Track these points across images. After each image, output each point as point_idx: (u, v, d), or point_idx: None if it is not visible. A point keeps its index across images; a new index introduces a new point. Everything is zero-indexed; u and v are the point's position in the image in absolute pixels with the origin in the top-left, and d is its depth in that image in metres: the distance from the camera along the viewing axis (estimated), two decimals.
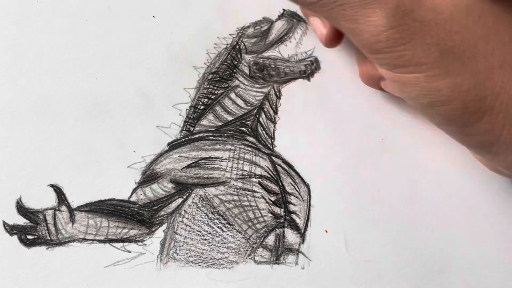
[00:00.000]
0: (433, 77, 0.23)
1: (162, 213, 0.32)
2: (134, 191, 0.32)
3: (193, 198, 0.33)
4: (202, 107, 0.34)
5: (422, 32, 0.22)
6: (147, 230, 0.32)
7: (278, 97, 0.35)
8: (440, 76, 0.22)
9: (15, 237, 0.31)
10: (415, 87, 0.23)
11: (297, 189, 0.33)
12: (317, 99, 0.34)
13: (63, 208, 0.32)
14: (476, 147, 0.25)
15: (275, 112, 0.34)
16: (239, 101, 0.34)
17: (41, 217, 0.32)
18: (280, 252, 0.32)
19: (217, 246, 0.32)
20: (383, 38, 0.23)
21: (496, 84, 0.22)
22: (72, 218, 0.32)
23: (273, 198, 0.33)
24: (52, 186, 0.32)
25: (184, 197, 0.33)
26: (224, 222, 0.32)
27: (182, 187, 0.33)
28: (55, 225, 0.31)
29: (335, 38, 0.27)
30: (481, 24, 0.22)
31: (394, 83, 0.24)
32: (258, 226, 0.32)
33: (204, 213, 0.32)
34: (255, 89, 0.35)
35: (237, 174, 0.33)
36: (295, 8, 0.36)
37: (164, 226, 0.32)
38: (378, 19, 0.22)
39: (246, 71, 0.35)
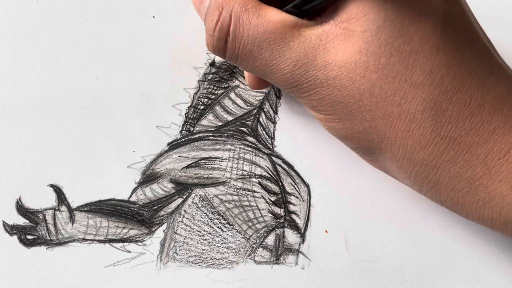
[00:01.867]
0: (330, 119, 0.27)
1: (162, 213, 0.32)
2: (134, 191, 0.32)
3: (193, 198, 0.33)
4: (202, 107, 0.34)
5: (315, 87, 0.26)
6: (147, 230, 0.32)
7: (278, 97, 0.35)
8: (335, 120, 0.26)
9: (15, 237, 0.31)
10: (321, 122, 0.28)
11: (297, 189, 0.33)
12: None
13: (63, 208, 0.32)
14: (380, 170, 0.29)
15: (275, 112, 0.34)
16: (239, 101, 0.34)
17: (40, 217, 0.32)
18: (280, 252, 0.32)
19: (217, 246, 0.32)
20: (289, 87, 0.27)
21: (380, 131, 0.25)
22: (72, 218, 0.32)
23: (273, 198, 0.33)
24: (52, 186, 0.32)
25: (184, 197, 0.33)
26: (224, 222, 0.32)
27: (182, 187, 0.33)
28: (55, 225, 0.31)
29: (259, 81, 0.32)
30: (366, 79, 0.25)
31: None
32: (258, 226, 0.32)
33: (204, 213, 0.32)
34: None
35: (237, 174, 0.33)
36: None
37: (164, 226, 0.32)
38: (283, 73, 0.26)
39: None
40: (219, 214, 0.32)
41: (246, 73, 0.32)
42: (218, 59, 0.34)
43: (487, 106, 0.25)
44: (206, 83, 0.34)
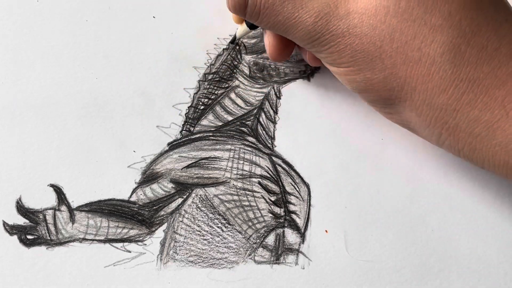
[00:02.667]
0: (350, 72, 0.27)
1: (162, 213, 0.32)
2: (134, 191, 0.32)
3: (193, 198, 0.33)
4: (202, 107, 0.34)
5: (337, 38, 0.26)
6: (147, 230, 0.32)
7: (278, 97, 0.35)
8: (355, 72, 0.27)
9: (15, 237, 0.31)
10: (340, 77, 0.29)
11: (297, 189, 0.33)
12: (317, 99, 0.35)
13: (63, 208, 0.32)
14: (398, 123, 0.29)
15: (275, 112, 0.34)
16: (239, 101, 0.34)
17: (41, 217, 0.32)
18: (280, 252, 0.32)
19: (217, 246, 0.32)
20: (310, 41, 0.27)
21: (400, 78, 0.26)
22: (72, 218, 0.32)
23: (273, 198, 0.33)
24: (52, 186, 0.32)
25: (184, 197, 0.33)
26: (224, 222, 0.32)
27: (182, 187, 0.33)
28: (55, 225, 0.31)
29: (280, 50, 0.31)
30: (386, 24, 0.25)
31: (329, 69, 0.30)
32: (258, 226, 0.32)
33: (204, 213, 0.32)
34: (255, 89, 0.35)
35: (237, 174, 0.33)
36: None
37: (164, 226, 0.32)
38: (305, 26, 0.27)
39: (246, 71, 0.35)
40: (219, 214, 0.33)
41: (267, 43, 0.32)
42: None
43: (503, 50, 0.25)
44: (206, 83, 0.34)
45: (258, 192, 0.33)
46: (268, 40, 0.31)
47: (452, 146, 0.27)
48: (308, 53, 0.32)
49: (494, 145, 0.25)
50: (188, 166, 0.33)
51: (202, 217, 0.32)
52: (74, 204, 0.32)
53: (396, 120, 0.29)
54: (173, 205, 0.33)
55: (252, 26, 0.32)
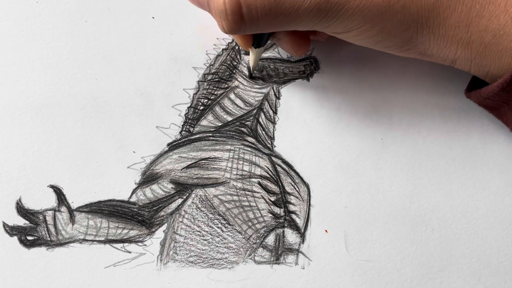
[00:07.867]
0: (363, 31, 0.28)
1: (162, 213, 0.32)
2: (134, 191, 0.32)
3: (193, 199, 0.33)
4: (201, 107, 0.34)
5: (344, 5, 0.27)
6: (147, 230, 0.32)
7: (278, 98, 0.35)
8: (368, 28, 0.28)
9: (15, 238, 0.31)
10: (353, 38, 0.30)
11: (297, 189, 0.33)
12: (316, 99, 0.34)
13: (63, 208, 0.32)
14: (415, 56, 0.31)
15: (275, 113, 0.34)
16: (238, 102, 0.34)
17: (41, 218, 0.32)
18: (280, 252, 0.32)
19: (217, 246, 0.32)
20: (318, 20, 0.28)
21: (413, 15, 0.28)
22: (72, 219, 0.32)
23: (273, 198, 0.33)
24: (52, 186, 0.32)
25: (184, 197, 0.33)
26: (224, 222, 0.32)
27: (182, 188, 0.33)
28: (55, 225, 0.32)
29: (300, 43, 0.32)
30: None
31: None
32: (258, 226, 0.32)
33: (204, 213, 0.32)
34: (254, 90, 0.35)
35: (237, 174, 0.33)
36: None
37: (164, 227, 0.32)
38: (310, 8, 0.27)
39: (246, 71, 0.35)
40: (219, 214, 0.33)
41: (286, 44, 0.32)
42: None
43: None
44: (205, 83, 0.34)
45: (258, 192, 0.33)
46: (285, 41, 0.32)
47: (466, 58, 0.30)
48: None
49: (500, 50, 0.28)
50: (187, 167, 0.33)
51: (202, 218, 0.32)
52: (74, 205, 0.32)
53: (414, 54, 0.31)
54: (173, 205, 0.33)
55: (259, 44, 0.32)
